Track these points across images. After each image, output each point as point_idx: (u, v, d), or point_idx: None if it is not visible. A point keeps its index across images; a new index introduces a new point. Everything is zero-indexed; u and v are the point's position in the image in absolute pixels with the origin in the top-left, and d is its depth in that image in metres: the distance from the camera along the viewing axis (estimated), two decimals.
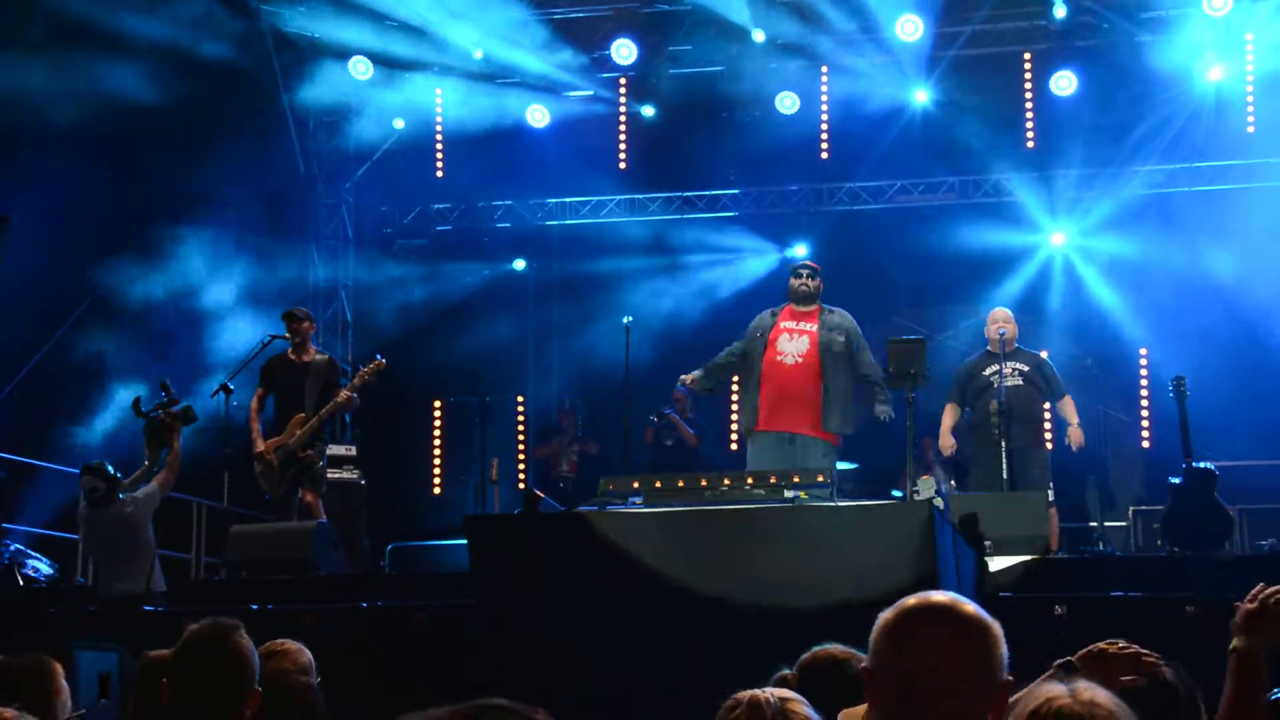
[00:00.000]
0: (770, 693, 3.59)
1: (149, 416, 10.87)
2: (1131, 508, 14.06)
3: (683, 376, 11.17)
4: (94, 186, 13.27)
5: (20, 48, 12.05)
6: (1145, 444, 15.61)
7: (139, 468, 10.93)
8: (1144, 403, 15.78)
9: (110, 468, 10.75)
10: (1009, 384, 11.57)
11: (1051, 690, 2.49)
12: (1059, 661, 3.53)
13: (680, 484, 8.63)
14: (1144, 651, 3.71)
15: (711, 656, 7.31)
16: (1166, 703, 4.00)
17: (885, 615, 2.89)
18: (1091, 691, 2.46)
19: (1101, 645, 3.69)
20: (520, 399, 16.95)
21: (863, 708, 3.84)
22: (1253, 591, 3.51)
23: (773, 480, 8.61)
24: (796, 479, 8.56)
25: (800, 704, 3.60)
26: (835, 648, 4.33)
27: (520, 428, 17.10)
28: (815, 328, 11.03)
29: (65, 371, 13.60)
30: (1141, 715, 2.50)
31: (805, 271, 11.34)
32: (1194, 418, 11.08)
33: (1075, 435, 11.79)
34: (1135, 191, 15.84)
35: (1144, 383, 15.80)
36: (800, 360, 10.94)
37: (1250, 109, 15.74)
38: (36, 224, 12.08)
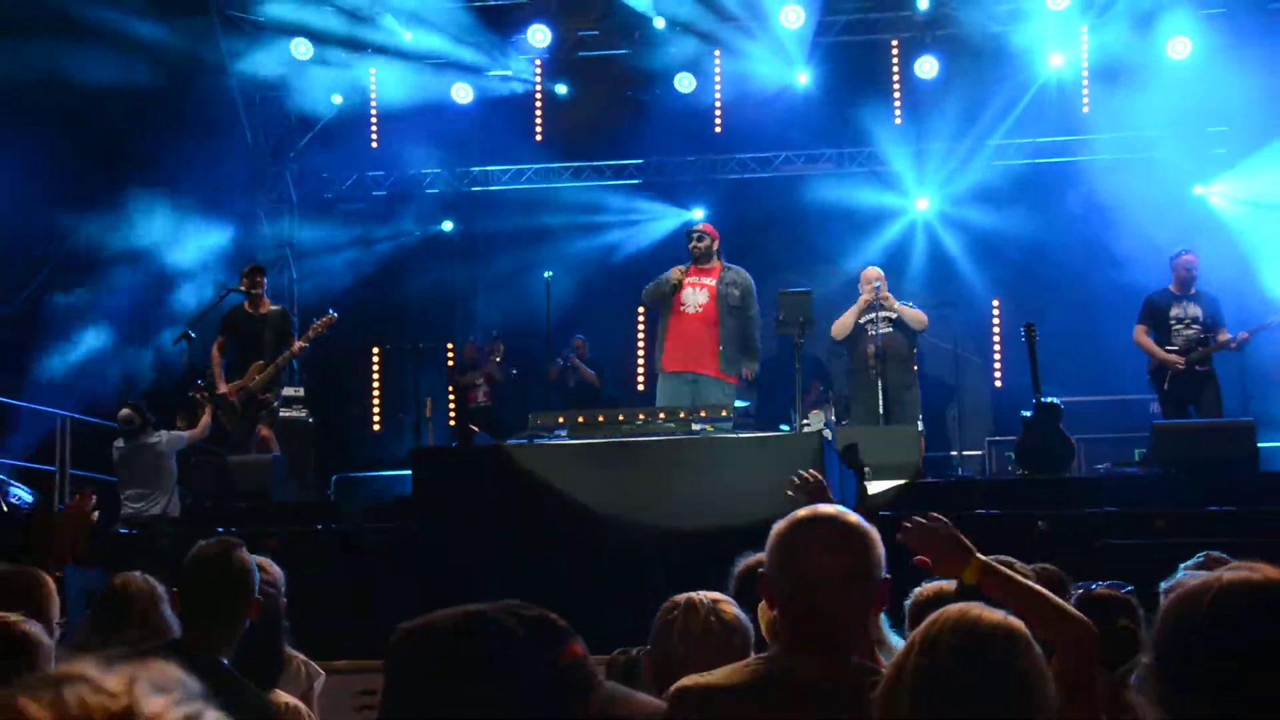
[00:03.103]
0: (703, 595, 3.62)
1: (203, 396, 11.27)
2: (986, 438, 14.35)
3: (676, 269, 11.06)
4: (59, 155, 13.08)
5: None
6: (997, 383, 15.87)
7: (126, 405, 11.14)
8: (996, 347, 16.01)
9: (145, 408, 10.89)
10: (882, 331, 11.71)
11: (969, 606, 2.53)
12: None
13: (600, 418, 8.74)
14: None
15: (629, 571, 7.42)
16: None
17: (779, 525, 3.00)
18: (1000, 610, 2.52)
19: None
20: (450, 346, 16.86)
21: None
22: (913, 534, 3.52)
23: (682, 415, 8.72)
24: (703, 414, 8.68)
25: (729, 604, 3.61)
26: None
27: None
28: (714, 282, 11.01)
29: (37, 321, 13.43)
30: None
31: (695, 234, 11.34)
32: (1040, 359, 11.24)
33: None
34: (989, 162, 16.01)
35: (996, 330, 16.02)
36: (700, 310, 10.93)
37: (1085, 91, 15.99)
38: (5, 188, 11.87)
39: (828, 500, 3.89)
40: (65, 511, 4.83)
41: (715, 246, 11.21)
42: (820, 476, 4.16)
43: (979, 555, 3.46)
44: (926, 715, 2.33)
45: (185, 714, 1.11)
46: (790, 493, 4.10)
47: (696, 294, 11.01)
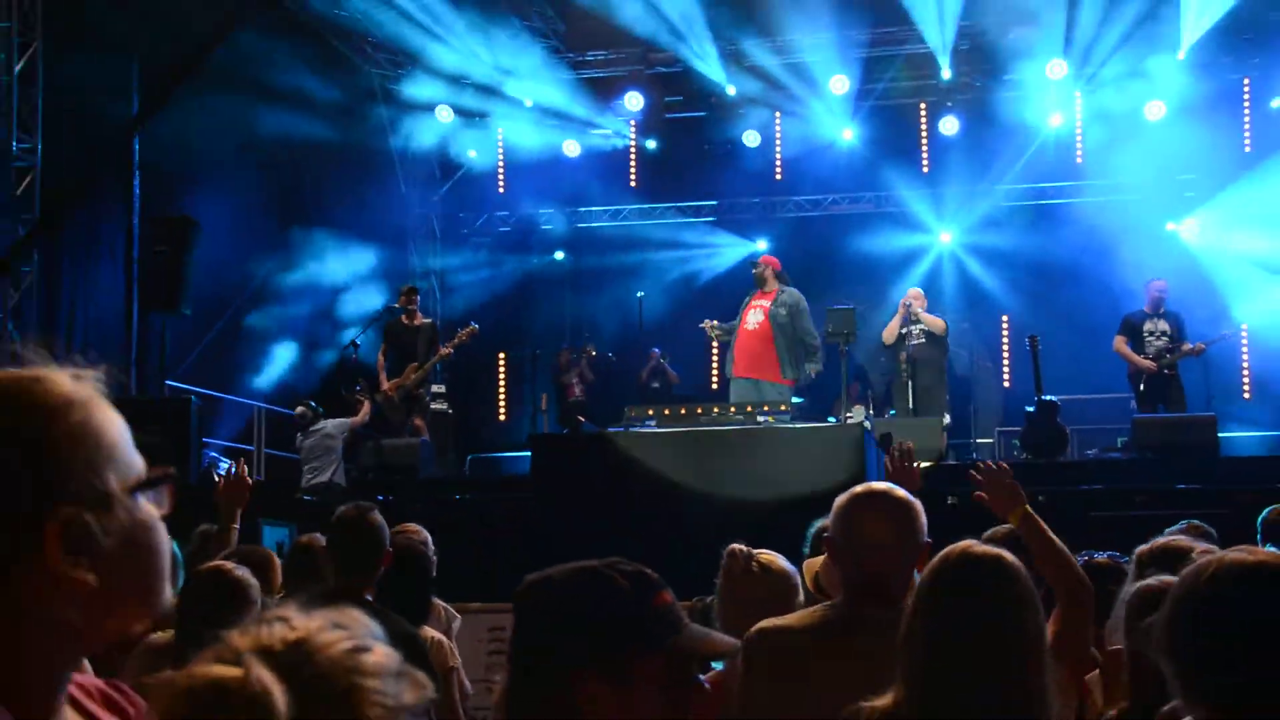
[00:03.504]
0: (743, 545, 3.54)
1: (360, 394, 11.41)
2: (996, 428, 14.20)
3: (707, 322, 11.16)
4: (255, 200, 13.30)
5: (206, 96, 11.97)
6: (1006, 384, 15.69)
7: (300, 403, 11.31)
8: (1005, 354, 15.81)
9: (314, 403, 11.05)
10: (915, 342, 11.64)
11: (968, 541, 2.45)
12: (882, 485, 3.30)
13: (683, 411, 8.71)
14: (903, 444, 3.60)
15: (704, 534, 7.39)
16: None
17: (841, 499, 2.99)
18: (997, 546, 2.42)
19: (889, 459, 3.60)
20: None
21: (820, 558, 3.88)
22: (983, 480, 3.48)
23: (749, 409, 8.68)
24: (766, 408, 8.65)
25: (769, 554, 3.54)
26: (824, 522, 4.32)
27: None
28: (769, 304, 10.85)
29: (238, 335, 13.67)
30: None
31: (754, 265, 11.39)
32: (1041, 365, 11.12)
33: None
34: (1000, 203, 15.85)
35: (1005, 340, 15.82)
36: (757, 328, 10.81)
37: (1079, 145, 15.84)
38: (216, 228, 12.10)
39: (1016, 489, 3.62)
40: (226, 479, 4.92)
41: (768, 273, 11.08)
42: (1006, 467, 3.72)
43: (1027, 505, 3.42)
44: (933, 636, 2.27)
45: (354, 645, 1.11)
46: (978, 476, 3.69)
47: (755, 314, 10.92)
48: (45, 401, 1.26)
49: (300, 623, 1.13)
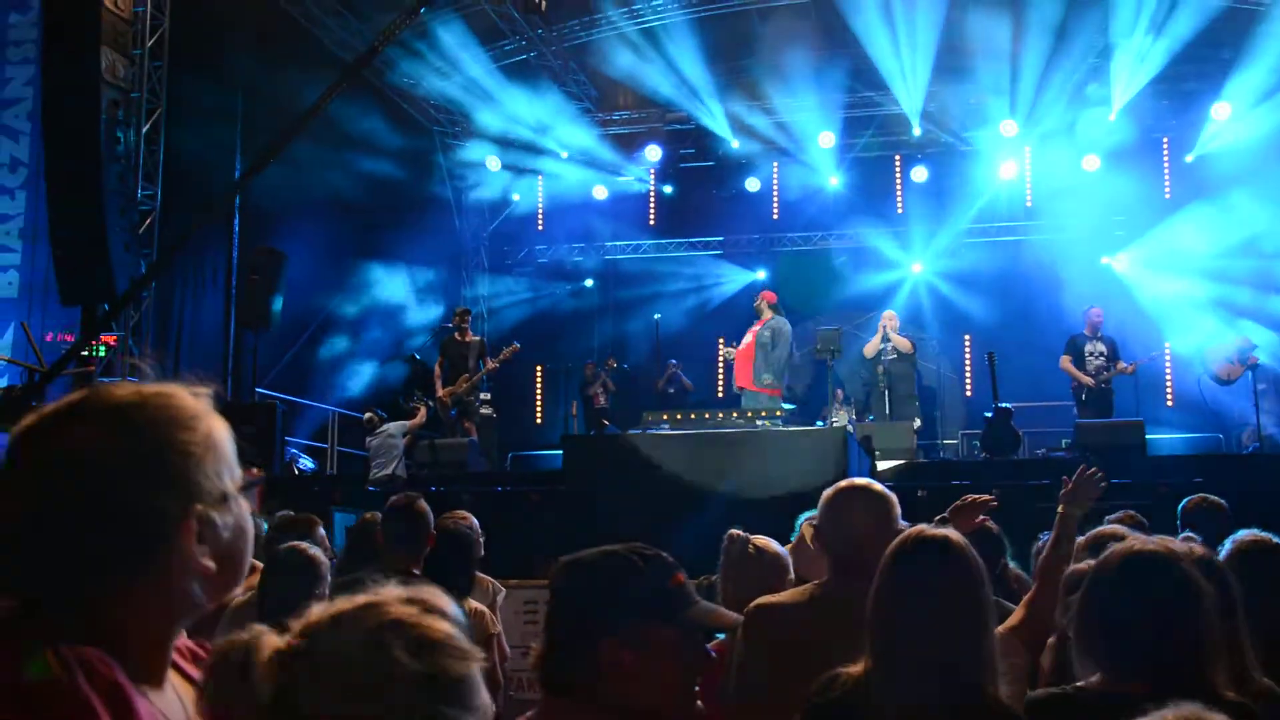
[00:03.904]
0: (742, 532, 3.47)
1: (416, 402, 11.31)
2: (960, 431, 14.11)
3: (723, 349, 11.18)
4: (335, 235, 13.31)
5: (297, 147, 12.00)
6: (968, 393, 15.62)
7: (367, 410, 11.29)
8: (967, 367, 15.72)
9: (380, 411, 11.04)
10: (890, 357, 11.60)
11: (921, 526, 2.44)
12: (938, 517, 3.31)
13: (692, 416, 8.65)
14: (982, 498, 3.50)
15: (708, 521, 7.33)
16: (990, 541, 4.06)
17: (827, 492, 2.96)
18: (946, 528, 2.40)
19: (959, 501, 3.57)
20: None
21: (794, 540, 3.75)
22: (1075, 474, 3.44)
23: (749, 414, 8.64)
24: (764, 414, 8.59)
25: (764, 539, 3.45)
26: None
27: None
28: (758, 329, 10.82)
29: (315, 352, 13.68)
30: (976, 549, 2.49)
31: (754, 298, 11.37)
32: (997, 377, 11.05)
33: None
34: (963, 240, 15.78)
35: (967, 355, 15.74)
36: (745, 347, 10.80)
37: (1029, 191, 15.79)
38: (302, 258, 12.11)
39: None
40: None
41: (764, 305, 11.00)
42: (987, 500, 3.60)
43: (1077, 512, 3.33)
44: (892, 606, 2.25)
45: (415, 613, 1.13)
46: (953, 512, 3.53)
47: (748, 337, 10.91)
48: (182, 415, 1.29)
49: (382, 591, 1.16)
